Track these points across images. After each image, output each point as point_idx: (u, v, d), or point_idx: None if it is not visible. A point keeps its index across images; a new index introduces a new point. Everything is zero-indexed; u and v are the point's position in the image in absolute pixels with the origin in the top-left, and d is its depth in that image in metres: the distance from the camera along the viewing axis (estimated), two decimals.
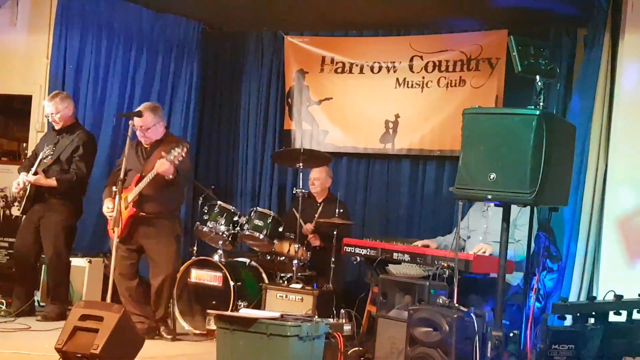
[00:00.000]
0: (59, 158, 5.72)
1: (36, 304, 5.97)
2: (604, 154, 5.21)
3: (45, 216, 5.72)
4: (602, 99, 5.24)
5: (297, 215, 5.68)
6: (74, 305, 4.14)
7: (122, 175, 4.85)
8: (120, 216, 4.92)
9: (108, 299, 4.58)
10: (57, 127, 5.84)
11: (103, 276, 6.18)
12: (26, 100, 7.02)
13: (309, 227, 6.03)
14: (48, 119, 5.93)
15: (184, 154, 5.06)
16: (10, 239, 6.48)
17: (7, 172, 6.98)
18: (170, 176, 5.10)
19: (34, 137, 6.91)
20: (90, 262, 6.18)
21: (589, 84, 5.36)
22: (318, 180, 6.27)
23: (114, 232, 4.81)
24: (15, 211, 6.23)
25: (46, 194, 5.69)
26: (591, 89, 5.30)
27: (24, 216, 5.81)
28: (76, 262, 6.09)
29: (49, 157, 5.70)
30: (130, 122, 5.12)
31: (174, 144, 5.14)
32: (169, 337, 5.31)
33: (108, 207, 5.24)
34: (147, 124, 5.32)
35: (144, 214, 5.22)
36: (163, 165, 5.04)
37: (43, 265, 5.98)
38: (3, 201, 6.84)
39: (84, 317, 3.91)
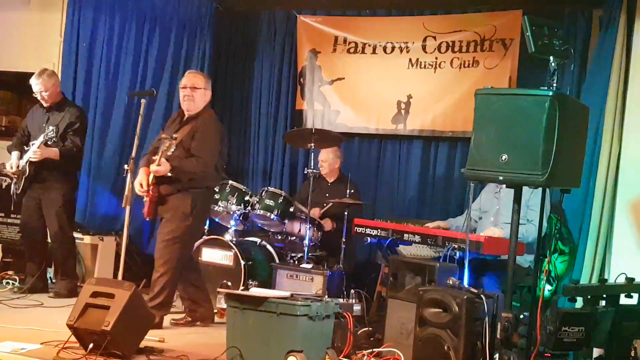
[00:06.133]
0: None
1: (49, 281, 6.02)
2: (618, 136, 5.16)
3: (45, 194, 5.76)
4: (616, 81, 5.18)
5: (308, 195, 5.68)
6: (85, 282, 4.17)
7: (133, 154, 4.72)
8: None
9: (119, 277, 4.60)
10: (45, 104, 5.85)
11: (115, 254, 6.23)
12: None
13: (316, 211, 6.02)
14: (37, 97, 5.89)
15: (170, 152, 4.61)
16: None
17: None
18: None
19: None
20: (102, 240, 6.24)
21: (603, 65, 5.30)
22: (325, 162, 6.27)
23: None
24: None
25: (44, 171, 5.72)
26: (606, 70, 5.24)
27: (25, 195, 5.81)
28: (88, 240, 6.14)
29: (53, 139, 5.71)
30: (142, 100, 4.98)
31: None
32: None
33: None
34: (195, 84, 4.95)
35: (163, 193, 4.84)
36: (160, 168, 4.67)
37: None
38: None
39: (95, 294, 3.94)
